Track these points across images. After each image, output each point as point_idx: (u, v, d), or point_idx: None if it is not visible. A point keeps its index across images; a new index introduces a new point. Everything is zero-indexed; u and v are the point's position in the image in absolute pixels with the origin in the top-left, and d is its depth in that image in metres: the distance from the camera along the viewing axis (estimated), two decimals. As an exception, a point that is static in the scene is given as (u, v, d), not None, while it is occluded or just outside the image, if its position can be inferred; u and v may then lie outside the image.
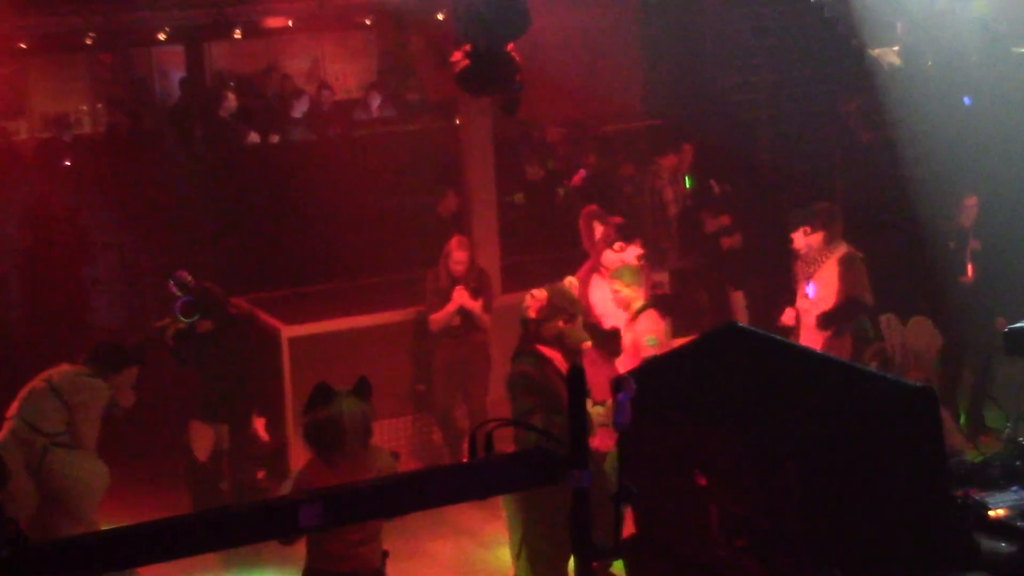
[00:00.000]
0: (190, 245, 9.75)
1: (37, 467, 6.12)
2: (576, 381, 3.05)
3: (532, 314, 6.08)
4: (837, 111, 11.02)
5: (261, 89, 12.62)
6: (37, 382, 6.30)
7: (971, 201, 8.55)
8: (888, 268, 10.09)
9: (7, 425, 6.21)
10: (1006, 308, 7.12)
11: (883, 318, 6.70)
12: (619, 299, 7.11)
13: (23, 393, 6.26)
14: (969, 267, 8.39)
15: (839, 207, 8.09)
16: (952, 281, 8.42)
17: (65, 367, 6.43)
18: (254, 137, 11.66)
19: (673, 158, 10.43)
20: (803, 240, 7.61)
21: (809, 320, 7.63)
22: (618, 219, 7.91)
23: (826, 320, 7.58)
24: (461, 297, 8.22)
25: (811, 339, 7.47)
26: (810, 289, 7.64)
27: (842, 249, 7.64)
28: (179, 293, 7.46)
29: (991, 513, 3.88)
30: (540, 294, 6.12)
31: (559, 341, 6.01)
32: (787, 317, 7.72)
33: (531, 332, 6.06)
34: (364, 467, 5.01)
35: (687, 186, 10.51)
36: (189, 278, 7.54)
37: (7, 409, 6.30)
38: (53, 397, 6.23)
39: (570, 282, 6.97)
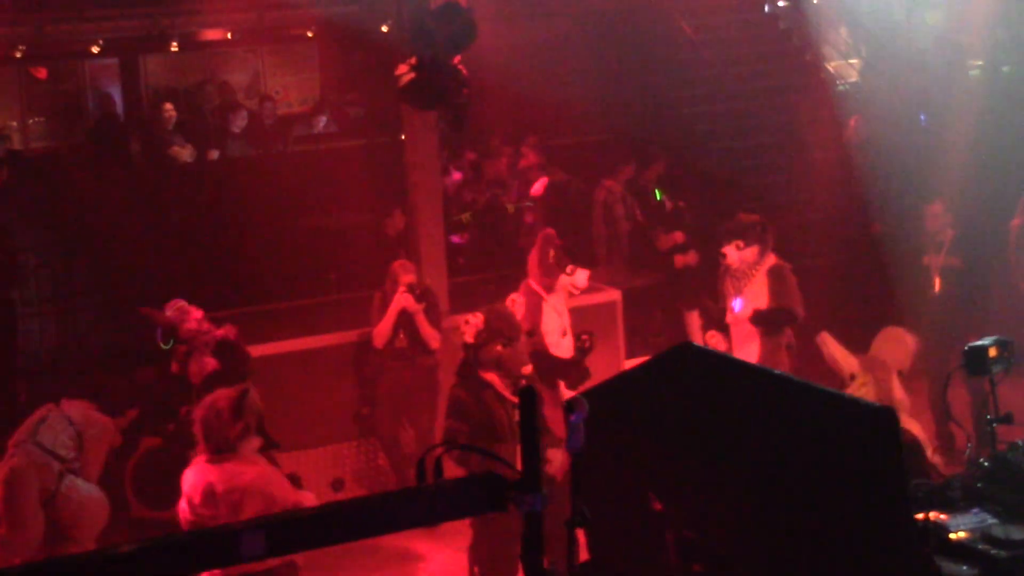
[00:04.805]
0: (125, 265, 9.47)
1: (53, 492, 6.17)
2: (528, 401, 2.92)
3: (469, 339, 5.87)
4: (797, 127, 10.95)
5: (200, 103, 12.37)
6: (45, 411, 6.34)
7: (936, 208, 8.33)
8: (844, 281, 10.06)
9: (20, 450, 6.21)
10: (977, 326, 6.96)
11: (819, 336, 6.47)
12: None
13: (32, 421, 6.30)
14: (936, 280, 8.20)
15: (768, 219, 7.87)
16: (922, 295, 8.24)
17: (74, 401, 6.48)
18: (192, 153, 11.41)
19: (625, 173, 10.31)
20: (736, 255, 7.38)
21: (739, 334, 7.41)
22: (558, 241, 7.60)
23: (751, 324, 7.34)
24: (405, 300, 7.92)
25: (744, 352, 7.24)
26: (736, 303, 7.43)
27: (771, 260, 7.43)
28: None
29: (952, 536, 3.81)
30: (476, 318, 5.88)
31: (498, 366, 5.81)
32: (711, 338, 7.45)
33: (470, 357, 5.87)
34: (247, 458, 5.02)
35: (657, 199, 10.35)
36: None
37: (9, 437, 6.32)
38: (69, 426, 6.29)
39: (512, 300, 6.71)
